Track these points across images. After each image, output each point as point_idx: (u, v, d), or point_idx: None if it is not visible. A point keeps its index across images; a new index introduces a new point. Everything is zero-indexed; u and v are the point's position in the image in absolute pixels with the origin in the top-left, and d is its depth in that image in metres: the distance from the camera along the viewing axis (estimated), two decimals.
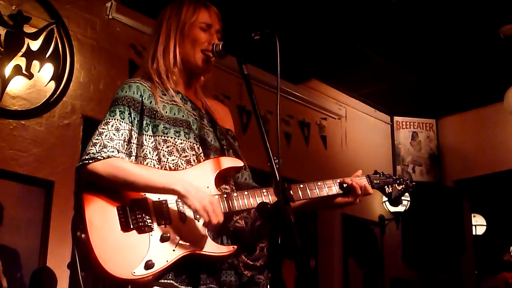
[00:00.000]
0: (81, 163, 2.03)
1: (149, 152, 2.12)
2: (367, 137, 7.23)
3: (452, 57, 6.05)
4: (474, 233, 8.38)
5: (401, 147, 7.50)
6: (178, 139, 2.16)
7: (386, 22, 5.40)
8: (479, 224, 9.24)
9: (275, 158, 1.90)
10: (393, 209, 6.73)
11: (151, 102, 2.18)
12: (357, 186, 2.29)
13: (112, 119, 2.11)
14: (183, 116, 2.22)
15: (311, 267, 6.21)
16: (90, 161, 2.01)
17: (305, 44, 5.68)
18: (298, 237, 1.73)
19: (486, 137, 7.15)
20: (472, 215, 8.29)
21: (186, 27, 2.27)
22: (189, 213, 2.05)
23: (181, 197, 2.02)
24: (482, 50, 5.89)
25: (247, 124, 5.77)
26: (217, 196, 2.09)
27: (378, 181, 2.43)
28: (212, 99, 2.45)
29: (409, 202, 6.75)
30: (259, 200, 2.11)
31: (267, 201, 2.11)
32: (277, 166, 1.89)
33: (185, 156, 2.15)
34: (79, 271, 1.97)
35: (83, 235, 1.95)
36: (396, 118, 7.56)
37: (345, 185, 2.30)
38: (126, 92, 2.17)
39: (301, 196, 2.23)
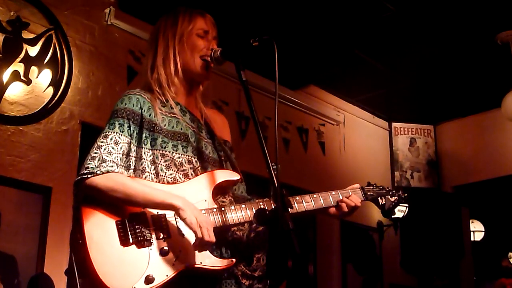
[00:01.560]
0: (79, 177, 2.02)
1: (147, 166, 2.13)
2: (365, 143, 7.24)
3: (450, 63, 6.06)
4: (472, 239, 8.38)
5: (399, 153, 7.51)
6: (176, 153, 2.16)
7: (384, 28, 5.41)
8: (477, 230, 9.24)
9: (273, 164, 1.90)
10: None
11: (150, 115, 2.18)
12: (343, 205, 2.34)
13: (111, 132, 2.11)
14: (181, 129, 2.22)
15: (310, 273, 6.21)
16: (89, 176, 2.01)
17: (303, 50, 5.68)
18: (297, 243, 1.73)
19: (484, 143, 7.16)
20: (471, 221, 8.30)
21: (184, 36, 2.28)
22: (188, 227, 2.05)
23: (178, 212, 2.01)
24: (479, 56, 5.90)
25: (246, 130, 5.77)
26: (214, 209, 2.10)
27: (371, 193, 2.47)
28: (210, 109, 2.46)
29: (407, 208, 6.74)
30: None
31: None
32: (275, 172, 1.89)
33: (183, 170, 2.15)
34: (77, 279, 1.97)
35: (84, 249, 1.94)
36: (394, 124, 7.57)
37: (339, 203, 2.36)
38: (126, 104, 2.16)
39: (297, 209, 2.24)
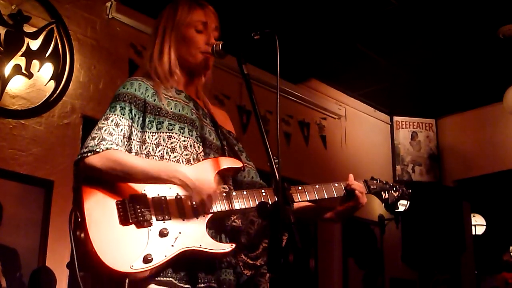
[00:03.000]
0: (79, 156, 2.04)
1: (152, 149, 2.13)
2: (366, 137, 7.23)
3: (452, 57, 6.06)
4: (473, 233, 8.38)
5: (401, 147, 7.50)
6: (182, 136, 2.17)
7: (386, 22, 5.40)
8: (478, 224, 9.23)
9: (274, 157, 1.90)
10: None
11: (155, 100, 2.18)
12: (358, 187, 2.30)
13: (112, 114, 2.12)
14: (187, 113, 2.23)
15: (311, 268, 6.21)
16: (89, 154, 2.02)
17: (305, 44, 5.68)
18: (298, 237, 1.73)
19: (485, 137, 7.15)
20: (472, 215, 8.29)
21: (182, 28, 2.28)
22: (188, 209, 2.05)
23: (179, 187, 2.04)
24: (481, 50, 5.89)
25: (247, 124, 5.77)
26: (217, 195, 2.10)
27: (374, 187, 2.44)
28: (211, 104, 2.46)
29: (408, 202, 6.73)
30: (257, 201, 2.11)
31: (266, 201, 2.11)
32: (276, 166, 1.89)
33: (186, 155, 2.15)
34: (77, 270, 1.97)
35: (84, 227, 1.95)
36: (395, 118, 7.56)
37: (347, 188, 2.30)
38: (127, 89, 2.18)
39: (299, 198, 2.23)
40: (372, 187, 2.43)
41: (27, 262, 4.03)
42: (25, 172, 4.15)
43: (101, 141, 2.04)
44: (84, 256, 1.94)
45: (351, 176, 2.36)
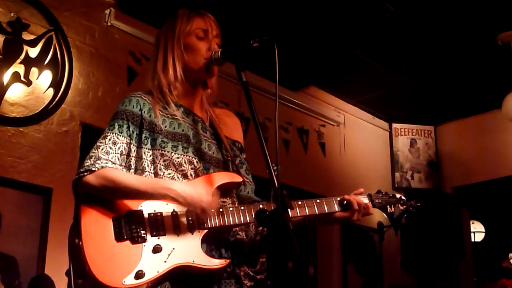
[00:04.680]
0: (77, 176, 2.07)
1: (147, 165, 2.15)
2: (365, 144, 7.23)
3: (451, 64, 6.06)
4: (473, 239, 8.37)
5: (400, 154, 7.50)
6: (175, 153, 2.17)
7: (385, 29, 5.41)
8: (478, 231, 9.22)
9: (273, 165, 1.90)
10: None
11: (150, 116, 2.20)
12: (355, 202, 2.28)
13: (110, 133, 2.14)
14: (182, 130, 2.23)
15: (310, 274, 6.20)
16: (85, 174, 2.05)
17: (303, 51, 5.68)
18: (297, 244, 1.73)
19: (484, 143, 7.16)
20: (471, 221, 8.29)
21: (183, 38, 2.29)
22: (183, 225, 2.05)
23: (173, 201, 2.04)
24: (480, 57, 5.90)
25: (246, 131, 5.74)
26: (212, 210, 2.10)
27: (380, 201, 2.41)
28: (221, 109, 2.46)
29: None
30: None
31: None
32: (275, 173, 1.89)
33: (182, 170, 2.16)
34: (72, 278, 2.00)
35: (79, 242, 1.98)
36: (394, 125, 7.56)
37: (344, 202, 2.29)
38: (126, 106, 2.20)
39: (298, 213, 2.22)
40: (376, 201, 2.40)
41: (26, 270, 4.02)
42: (23, 179, 4.15)
43: (97, 160, 2.07)
44: (81, 269, 1.97)
45: (360, 190, 2.36)
